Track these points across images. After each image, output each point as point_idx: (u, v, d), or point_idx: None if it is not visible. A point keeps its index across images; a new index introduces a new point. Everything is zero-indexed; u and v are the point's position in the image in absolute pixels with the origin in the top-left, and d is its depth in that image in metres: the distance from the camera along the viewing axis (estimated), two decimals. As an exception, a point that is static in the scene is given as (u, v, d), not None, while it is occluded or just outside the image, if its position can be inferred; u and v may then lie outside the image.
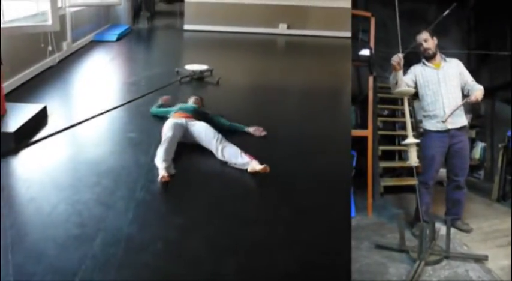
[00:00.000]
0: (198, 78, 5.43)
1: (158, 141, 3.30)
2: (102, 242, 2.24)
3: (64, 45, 6.23)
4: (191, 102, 4.03)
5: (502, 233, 2.85)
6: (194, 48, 8.35)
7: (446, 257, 2.48)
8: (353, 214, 3.14)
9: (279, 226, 2.55)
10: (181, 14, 9.57)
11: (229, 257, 2.23)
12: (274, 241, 2.41)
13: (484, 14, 4.31)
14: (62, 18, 6.18)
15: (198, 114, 3.71)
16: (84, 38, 7.26)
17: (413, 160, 2.57)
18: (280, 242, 2.40)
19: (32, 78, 5.03)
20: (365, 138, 3.29)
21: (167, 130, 3.33)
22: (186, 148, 3.35)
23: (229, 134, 3.53)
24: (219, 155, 3.21)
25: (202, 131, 3.39)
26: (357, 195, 3.27)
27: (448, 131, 2.79)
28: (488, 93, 4.30)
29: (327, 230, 2.55)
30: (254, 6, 9.25)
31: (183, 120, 3.48)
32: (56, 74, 5.42)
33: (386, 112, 4.34)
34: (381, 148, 3.84)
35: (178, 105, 3.89)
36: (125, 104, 4.29)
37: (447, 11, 2.48)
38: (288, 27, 9.41)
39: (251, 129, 3.77)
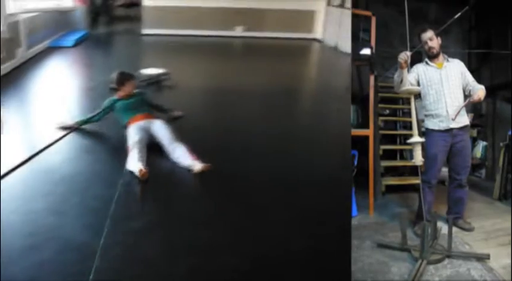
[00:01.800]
0: (155, 82, 5.38)
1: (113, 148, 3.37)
2: (55, 250, 2.19)
3: (19, 52, 6.00)
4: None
5: (504, 232, 2.85)
6: (152, 53, 8.33)
7: (448, 256, 2.49)
8: (355, 213, 3.15)
9: (277, 227, 2.55)
10: (140, 19, 9.58)
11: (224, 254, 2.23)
12: (273, 242, 2.41)
13: (485, 13, 4.31)
14: (16, 25, 5.97)
15: (143, 104, 3.69)
16: (40, 44, 7.05)
17: (418, 159, 2.57)
18: (280, 243, 2.40)
19: None
20: (366, 137, 3.29)
21: (133, 135, 3.27)
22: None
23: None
24: (171, 155, 3.22)
25: (160, 130, 3.38)
26: (359, 194, 3.28)
27: (450, 130, 2.79)
28: (489, 92, 4.31)
29: (328, 230, 2.54)
30: (211, 9, 9.35)
31: (142, 123, 3.42)
32: (9, 81, 5.24)
33: (387, 111, 4.34)
34: (382, 147, 3.84)
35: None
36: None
37: (458, 14, 2.48)
38: (245, 30, 9.55)
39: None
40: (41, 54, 6.96)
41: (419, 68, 2.87)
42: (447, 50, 2.95)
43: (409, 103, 4.29)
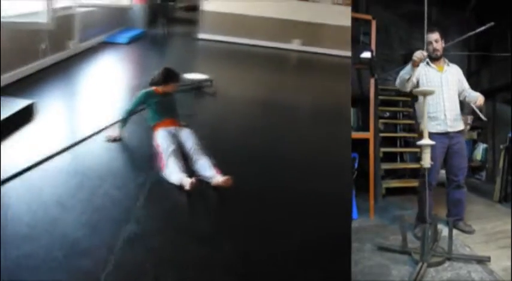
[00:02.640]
0: (197, 88, 5.35)
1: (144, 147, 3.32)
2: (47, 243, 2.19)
3: (70, 44, 6.23)
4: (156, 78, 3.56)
5: (504, 235, 2.86)
6: (204, 57, 8.28)
7: (449, 259, 2.49)
8: (355, 216, 3.16)
9: (275, 229, 2.56)
10: (198, 23, 9.47)
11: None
12: (272, 244, 2.42)
13: (485, 16, 4.32)
14: (71, 18, 6.23)
15: (174, 108, 3.55)
16: (94, 39, 7.24)
17: (427, 161, 2.55)
18: (279, 245, 2.41)
19: (31, 74, 4.97)
20: (366, 140, 3.30)
21: (163, 142, 3.18)
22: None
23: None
24: (192, 165, 3.13)
25: (187, 139, 3.30)
26: (359, 197, 3.28)
27: (447, 133, 2.80)
28: (489, 94, 4.33)
29: (327, 233, 2.55)
30: (270, 19, 9.09)
31: (171, 129, 3.35)
32: (56, 72, 5.38)
33: (387, 114, 4.35)
34: (383, 149, 3.85)
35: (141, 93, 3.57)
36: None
37: (483, 28, 2.49)
38: (302, 44, 9.19)
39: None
40: (94, 48, 7.04)
41: (421, 68, 2.87)
42: (446, 53, 2.96)
43: (409, 106, 4.33)
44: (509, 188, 3.67)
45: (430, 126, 2.85)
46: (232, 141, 3.87)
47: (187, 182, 2.85)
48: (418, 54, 2.57)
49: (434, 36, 2.80)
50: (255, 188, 3.04)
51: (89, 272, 2.02)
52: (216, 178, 2.94)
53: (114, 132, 3.53)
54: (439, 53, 2.82)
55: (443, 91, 2.81)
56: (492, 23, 2.47)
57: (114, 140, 3.49)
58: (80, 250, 2.16)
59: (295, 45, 9.21)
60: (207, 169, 3.04)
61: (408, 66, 2.66)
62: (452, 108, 2.82)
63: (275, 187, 3.12)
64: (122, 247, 2.22)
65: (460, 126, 2.88)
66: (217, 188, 2.92)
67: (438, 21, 4.10)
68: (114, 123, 3.64)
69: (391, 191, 3.76)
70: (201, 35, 9.30)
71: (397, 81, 2.81)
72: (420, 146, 2.60)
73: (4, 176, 2.70)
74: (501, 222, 3.13)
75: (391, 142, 4.28)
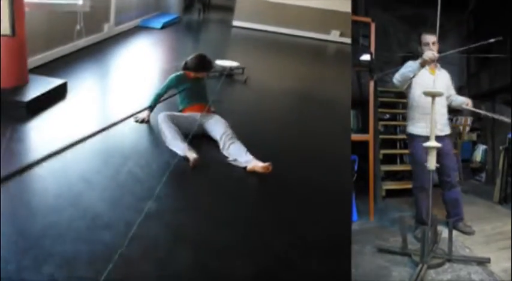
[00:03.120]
0: (228, 75, 5.30)
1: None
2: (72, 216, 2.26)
3: (106, 27, 6.29)
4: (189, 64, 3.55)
5: (504, 236, 2.86)
6: (237, 45, 8.24)
7: (449, 260, 2.49)
8: (355, 218, 3.16)
9: (275, 229, 2.56)
10: (234, 10, 9.40)
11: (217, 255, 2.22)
12: (271, 244, 2.42)
13: (484, 17, 4.34)
14: (107, 1, 6.30)
15: (205, 93, 3.58)
16: (129, 23, 7.31)
17: (432, 163, 2.54)
18: (279, 245, 2.41)
19: (65, 56, 5.04)
20: (366, 142, 3.31)
21: (163, 120, 3.24)
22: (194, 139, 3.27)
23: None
24: (223, 150, 3.16)
25: (215, 125, 3.33)
26: (359, 199, 3.29)
27: (437, 137, 2.79)
28: (488, 96, 4.34)
29: (327, 235, 2.54)
30: (307, 9, 8.90)
31: (197, 115, 3.37)
32: (90, 54, 5.46)
33: (387, 116, 4.36)
34: (382, 151, 3.86)
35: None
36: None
37: (491, 40, 2.50)
38: (341, 35, 8.98)
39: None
40: (128, 31, 7.12)
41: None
42: (445, 54, 2.96)
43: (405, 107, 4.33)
44: (509, 189, 3.67)
45: (419, 129, 2.84)
46: (260, 130, 3.87)
47: (191, 156, 2.90)
48: (430, 54, 2.54)
49: (432, 38, 2.78)
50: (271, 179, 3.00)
51: (108, 244, 2.08)
52: (253, 162, 2.95)
53: (143, 113, 3.58)
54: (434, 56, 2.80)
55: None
56: (500, 38, 2.47)
57: (142, 121, 3.55)
58: (101, 223, 2.23)
59: (333, 36, 9.03)
60: (242, 153, 3.05)
61: (414, 65, 2.62)
62: (443, 113, 2.85)
63: (295, 179, 3.08)
64: (141, 222, 2.24)
65: (448, 130, 2.93)
66: (251, 173, 2.94)
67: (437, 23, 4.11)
68: (145, 108, 3.65)
69: (391, 193, 3.76)
70: (236, 23, 9.18)
71: (398, 78, 2.76)
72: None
73: (38, 155, 2.79)
74: (501, 223, 3.13)
75: (391, 143, 4.28)
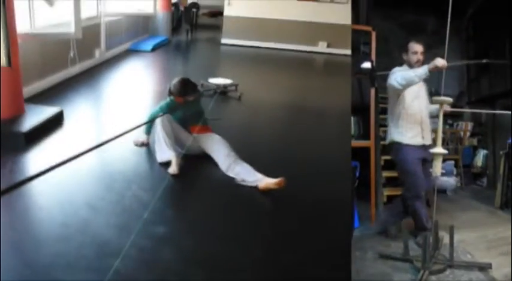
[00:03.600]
0: (222, 93, 5.35)
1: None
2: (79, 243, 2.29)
3: (97, 53, 6.42)
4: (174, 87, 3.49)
5: (506, 241, 2.86)
6: (227, 62, 8.38)
7: (450, 266, 2.51)
8: (356, 224, 3.17)
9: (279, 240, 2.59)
10: (221, 28, 9.56)
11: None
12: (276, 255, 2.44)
13: (483, 23, 4.37)
14: (97, 27, 6.41)
15: (200, 114, 3.53)
16: (119, 47, 7.44)
17: (438, 170, 2.52)
18: (279, 255, 2.44)
19: (59, 83, 5.14)
20: (368, 148, 3.33)
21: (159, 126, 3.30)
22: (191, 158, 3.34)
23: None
24: (228, 171, 3.14)
25: (215, 145, 3.33)
26: (361, 205, 3.30)
27: (423, 146, 2.81)
28: (488, 101, 4.36)
29: (328, 243, 2.57)
30: (293, 22, 9.03)
31: (194, 136, 3.39)
32: (83, 80, 5.56)
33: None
34: (384, 157, 3.87)
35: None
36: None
37: (477, 61, 2.47)
38: (328, 46, 9.11)
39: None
40: (119, 55, 7.25)
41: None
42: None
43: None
44: (509, 194, 3.68)
45: (406, 138, 2.81)
46: (258, 145, 3.94)
47: (174, 163, 3.03)
48: (442, 62, 2.44)
49: (420, 47, 2.79)
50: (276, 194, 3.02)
51: (118, 271, 2.07)
52: (265, 181, 2.94)
53: (141, 137, 3.60)
54: (420, 65, 2.74)
55: (420, 103, 2.82)
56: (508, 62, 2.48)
57: (142, 144, 3.58)
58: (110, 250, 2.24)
59: (320, 47, 9.14)
60: (251, 173, 3.03)
61: (422, 70, 2.52)
62: (427, 122, 2.84)
63: (295, 192, 3.08)
64: (152, 246, 2.29)
65: (430, 140, 2.86)
66: (265, 191, 2.95)
67: (435, 31, 4.15)
68: (137, 127, 3.64)
69: (392, 199, 3.77)
70: (224, 40, 9.33)
71: (400, 81, 2.63)
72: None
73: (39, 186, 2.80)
74: (503, 228, 3.14)
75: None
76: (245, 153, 3.32)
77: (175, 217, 2.72)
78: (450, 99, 2.65)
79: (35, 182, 2.69)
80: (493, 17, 4.00)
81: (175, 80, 3.48)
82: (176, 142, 3.35)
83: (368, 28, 3.37)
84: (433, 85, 4.62)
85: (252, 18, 9.15)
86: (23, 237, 2.33)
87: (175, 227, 2.59)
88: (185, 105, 3.46)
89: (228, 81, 5.55)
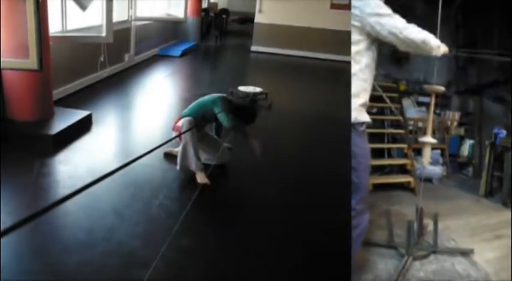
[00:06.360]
0: (252, 101, 5.19)
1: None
2: (103, 251, 2.22)
3: (126, 57, 6.41)
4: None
5: (489, 228, 2.90)
6: (257, 70, 8.26)
7: (434, 252, 2.52)
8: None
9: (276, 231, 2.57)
10: (251, 35, 9.45)
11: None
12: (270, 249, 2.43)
13: (472, 12, 4.36)
14: (127, 31, 6.39)
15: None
16: (148, 52, 7.42)
17: (427, 159, 2.51)
18: (278, 248, 2.42)
19: (87, 86, 5.12)
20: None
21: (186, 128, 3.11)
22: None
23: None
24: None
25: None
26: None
27: None
28: (476, 91, 4.38)
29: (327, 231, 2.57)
30: (324, 31, 8.87)
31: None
32: (112, 84, 5.52)
33: (375, 110, 4.37)
34: (370, 145, 3.86)
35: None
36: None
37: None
38: None
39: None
40: (148, 60, 7.22)
41: None
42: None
43: (396, 102, 4.36)
44: (494, 183, 3.72)
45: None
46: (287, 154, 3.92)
47: (202, 178, 2.98)
48: (445, 48, 2.08)
49: None
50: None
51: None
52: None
53: (175, 149, 3.40)
54: (405, 56, 2.66)
55: None
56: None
57: (172, 155, 3.40)
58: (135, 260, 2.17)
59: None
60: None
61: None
62: None
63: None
64: (176, 257, 2.22)
65: None
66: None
67: (424, 15, 4.14)
68: (168, 141, 3.39)
69: (378, 187, 3.78)
70: (254, 48, 9.21)
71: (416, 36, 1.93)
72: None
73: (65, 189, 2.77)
74: (486, 216, 3.18)
75: (379, 137, 4.30)
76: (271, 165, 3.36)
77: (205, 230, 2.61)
78: (442, 88, 2.63)
79: (61, 189, 2.69)
80: (483, 5, 3.99)
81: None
82: (205, 151, 3.30)
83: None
84: (422, 73, 4.65)
85: (283, 25, 9.00)
86: (47, 241, 2.27)
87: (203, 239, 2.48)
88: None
89: (257, 89, 5.45)
